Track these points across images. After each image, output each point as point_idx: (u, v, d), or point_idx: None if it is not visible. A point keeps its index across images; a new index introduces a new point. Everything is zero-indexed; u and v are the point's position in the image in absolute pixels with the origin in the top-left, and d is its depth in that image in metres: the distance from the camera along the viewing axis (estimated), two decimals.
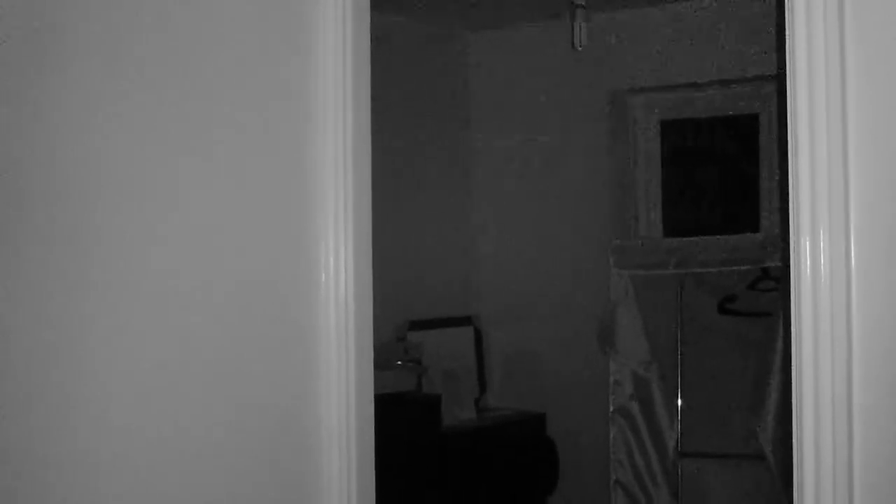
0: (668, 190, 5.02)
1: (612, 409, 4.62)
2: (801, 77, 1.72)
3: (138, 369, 1.94)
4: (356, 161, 2.25)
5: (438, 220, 5.09)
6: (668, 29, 4.63)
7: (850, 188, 1.68)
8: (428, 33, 5.03)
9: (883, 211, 1.66)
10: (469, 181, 5.25)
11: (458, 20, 5.02)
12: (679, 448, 4.57)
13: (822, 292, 1.69)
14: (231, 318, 2.11)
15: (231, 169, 2.11)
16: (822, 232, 1.69)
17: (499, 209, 5.21)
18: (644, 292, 4.60)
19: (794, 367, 1.73)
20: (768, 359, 4.21)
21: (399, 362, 4.53)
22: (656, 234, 5.00)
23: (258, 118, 2.16)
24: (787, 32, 1.75)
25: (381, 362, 2.45)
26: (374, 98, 2.31)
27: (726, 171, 5.02)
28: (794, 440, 1.73)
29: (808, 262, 1.71)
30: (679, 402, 4.58)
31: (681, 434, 4.57)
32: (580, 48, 3.63)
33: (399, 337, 4.63)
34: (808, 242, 1.71)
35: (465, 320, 5.06)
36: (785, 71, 1.75)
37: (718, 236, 4.49)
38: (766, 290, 4.38)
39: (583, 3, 3.60)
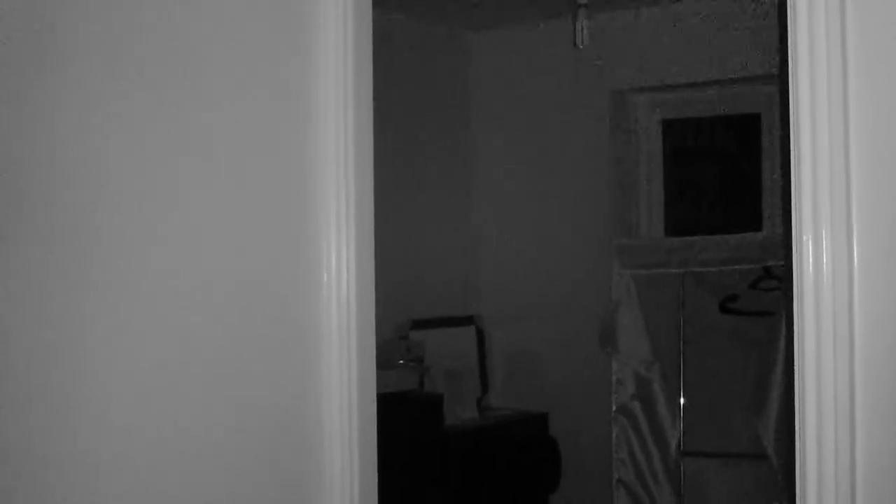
0: (669, 189, 5.01)
1: (614, 408, 4.62)
2: (803, 76, 1.71)
3: (138, 369, 1.94)
4: (358, 160, 2.25)
5: (440, 220, 5.09)
6: (670, 28, 4.62)
7: (852, 186, 1.67)
8: (429, 33, 5.03)
9: (885, 209, 1.66)
10: (470, 180, 5.25)
11: (460, 20, 5.02)
12: (681, 447, 4.57)
13: (824, 291, 1.69)
14: (232, 317, 2.11)
15: (231, 169, 2.11)
16: (824, 230, 1.69)
17: (500, 208, 5.20)
18: (646, 292, 4.60)
19: (796, 366, 1.73)
20: (770, 358, 4.20)
21: (401, 361, 4.53)
22: (658, 233, 5.00)
23: (259, 118, 2.16)
24: (788, 31, 1.75)
25: (383, 361, 2.45)
26: (375, 97, 2.31)
27: (728, 171, 5.02)
28: (797, 439, 1.73)
29: (811, 261, 1.70)
30: (681, 401, 4.58)
31: (683, 433, 4.56)
32: (582, 47, 3.63)
33: (401, 336, 4.63)
34: (810, 241, 1.70)
35: (467, 320, 5.07)
36: (786, 70, 1.75)
37: (720, 235, 4.49)
38: (768, 290, 4.37)
39: (585, 3, 3.60)
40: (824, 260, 1.69)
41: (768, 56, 4.07)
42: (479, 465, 4.49)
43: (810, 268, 1.70)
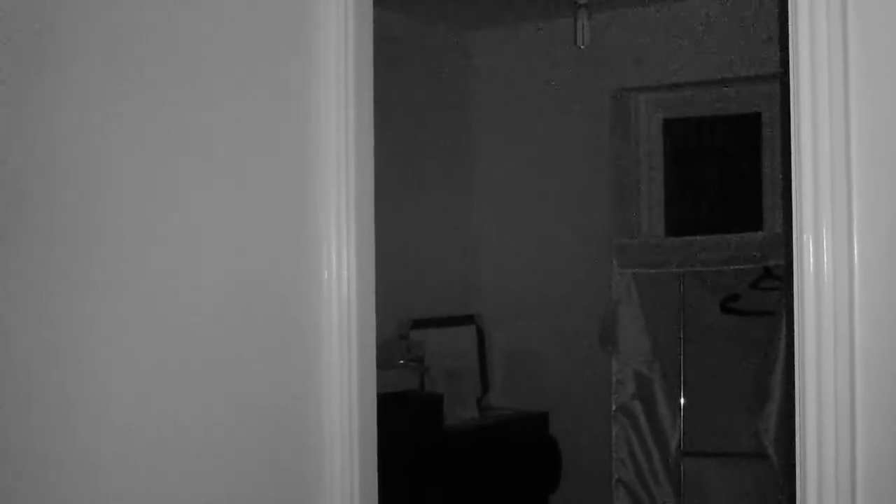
0: (670, 189, 5.01)
1: (614, 407, 4.62)
2: (804, 75, 1.71)
3: (138, 369, 1.94)
4: (358, 160, 2.25)
5: (440, 220, 5.09)
6: (671, 27, 4.62)
7: (853, 186, 1.67)
8: (429, 33, 5.03)
9: (885, 208, 1.66)
10: (470, 180, 5.25)
11: (460, 20, 5.02)
12: (681, 447, 4.57)
13: (824, 290, 1.69)
14: (231, 317, 2.11)
15: (231, 169, 2.11)
16: (824, 230, 1.69)
17: (500, 208, 5.20)
18: (646, 291, 4.60)
19: (796, 366, 1.73)
20: (770, 357, 4.20)
21: (401, 361, 4.53)
22: (658, 233, 5.00)
23: (259, 118, 2.16)
24: (789, 31, 1.75)
25: (384, 361, 2.45)
26: (375, 97, 2.31)
27: (728, 170, 5.02)
28: (797, 439, 1.73)
29: (811, 261, 1.70)
30: (681, 400, 4.58)
31: (683, 433, 4.56)
32: (583, 46, 3.63)
33: (401, 336, 4.63)
34: (810, 240, 1.70)
35: (467, 319, 5.07)
36: (787, 69, 1.75)
37: (720, 235, 4.49)
38: (769, 289, 4.37)
39: (585, 2, 3.60)
40: (825, 259, 1.69)
41: (768, 56, 4.07)
42: (479, 465, 4.49)
43: (811, 267, 1.70)
